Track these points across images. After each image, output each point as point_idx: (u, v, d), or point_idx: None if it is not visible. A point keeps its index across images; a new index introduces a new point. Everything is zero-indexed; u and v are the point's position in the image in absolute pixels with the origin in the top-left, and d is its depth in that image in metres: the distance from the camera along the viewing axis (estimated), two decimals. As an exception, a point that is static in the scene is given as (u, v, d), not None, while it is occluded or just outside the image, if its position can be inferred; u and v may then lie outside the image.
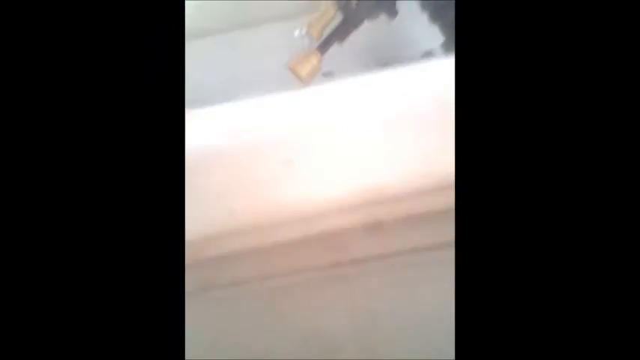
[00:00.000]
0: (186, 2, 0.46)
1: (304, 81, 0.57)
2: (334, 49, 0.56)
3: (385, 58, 0.60)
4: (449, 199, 0.37)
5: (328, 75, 0.58)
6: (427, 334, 0.47)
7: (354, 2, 0.55)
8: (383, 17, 0.56)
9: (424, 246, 0.45)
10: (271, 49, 0.60)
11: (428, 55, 0.57)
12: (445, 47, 0.55)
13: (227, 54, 0.62)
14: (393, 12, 0.56)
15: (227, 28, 0.62)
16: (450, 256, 0.44)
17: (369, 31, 0.56)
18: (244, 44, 0.62)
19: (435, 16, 0.55)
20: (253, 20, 0.61)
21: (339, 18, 0.56)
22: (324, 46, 0.57)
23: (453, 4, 0.53)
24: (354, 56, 0.59)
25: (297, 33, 0.57)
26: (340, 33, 0.56)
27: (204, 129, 0.38)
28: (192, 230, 0.35)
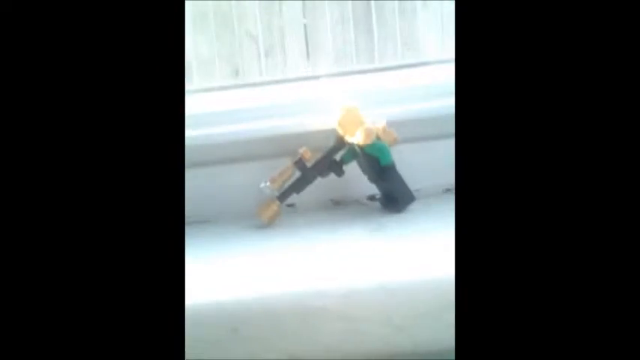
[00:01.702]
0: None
1: (266, 224, 0.69)
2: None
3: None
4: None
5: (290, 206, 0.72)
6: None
7: (309, 163, 0.70)
8: (332, 175, 0.71)
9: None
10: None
11: (371, 198, 0.73)
12: (382, 202, 0.71)
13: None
14: (340, 172, 0.71)
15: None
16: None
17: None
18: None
19: (372, 179, 0.71)
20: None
21: (296, 175, 0.70)
22: (283, 196, 0.70)
23: (389, 174, 0.68)
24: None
25: (262, 185, 0.70)
26: (297, 186, 0.70)
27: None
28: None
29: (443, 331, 0.45)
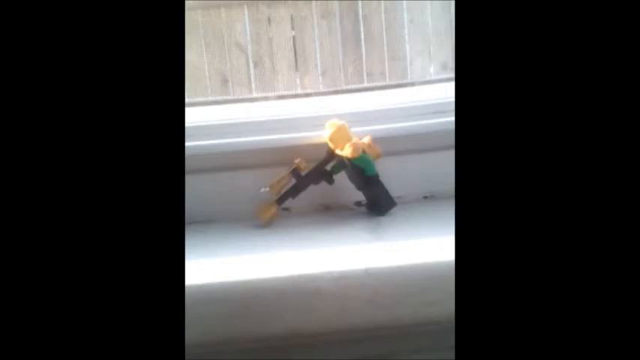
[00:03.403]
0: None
1: (265, 224, 0.79)
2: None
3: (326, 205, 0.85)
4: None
5: (286, 210, 0.83)
6: None
7: (303, 172, 0.80)
8: (324, 183, 0.81)
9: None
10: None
11: (358, 204, 0.83)
12: (367, 207, 0.82)
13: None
14: (331, 180, 0.81)
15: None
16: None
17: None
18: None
19: (359, 187, 0.81)
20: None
21: (292, 182, 0.80)
22: (281, 200, 0.80)
23: (374, 183, 0.79)
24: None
25: (262, 190, 0.80)
26: (293, 192, 0.81)
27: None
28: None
29: (415, 308, 0.56)
